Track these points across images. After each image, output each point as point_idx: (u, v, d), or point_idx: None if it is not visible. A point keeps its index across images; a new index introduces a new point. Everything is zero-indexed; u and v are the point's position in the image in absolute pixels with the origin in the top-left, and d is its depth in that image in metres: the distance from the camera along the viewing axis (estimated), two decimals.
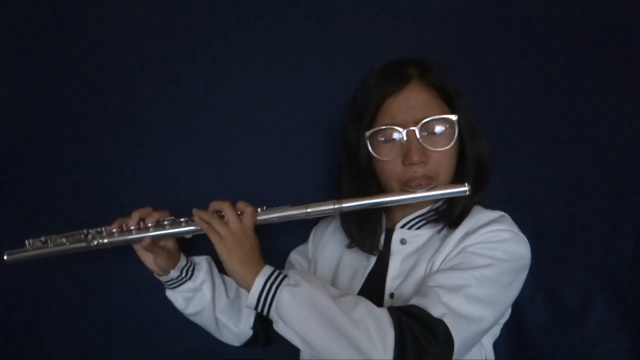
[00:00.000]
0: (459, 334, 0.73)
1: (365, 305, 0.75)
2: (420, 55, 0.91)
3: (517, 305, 0.98)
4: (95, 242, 0.82)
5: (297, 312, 0.74)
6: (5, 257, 0.84)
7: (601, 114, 1.07)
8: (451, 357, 0.73)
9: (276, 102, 1.11)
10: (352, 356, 0.71)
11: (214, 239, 0.81)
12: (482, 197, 0.89)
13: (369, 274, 0.91)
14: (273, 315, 0.76)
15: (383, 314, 0.73)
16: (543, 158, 1.08)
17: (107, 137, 1.10)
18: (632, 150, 1.06)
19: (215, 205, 0.85)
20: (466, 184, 0.84)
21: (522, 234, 0.85)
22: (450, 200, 0.88)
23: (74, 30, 1.10)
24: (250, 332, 1.00)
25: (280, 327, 0.76)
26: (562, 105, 1.08)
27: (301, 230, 1.07)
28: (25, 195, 1.09)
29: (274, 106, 1.11)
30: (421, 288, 0.80)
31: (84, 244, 0.83)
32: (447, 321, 0.73)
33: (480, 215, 0.86)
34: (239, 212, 0.84)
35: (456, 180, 0.88)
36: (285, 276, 0.78)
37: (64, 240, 0.83)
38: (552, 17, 1.09)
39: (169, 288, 0.95)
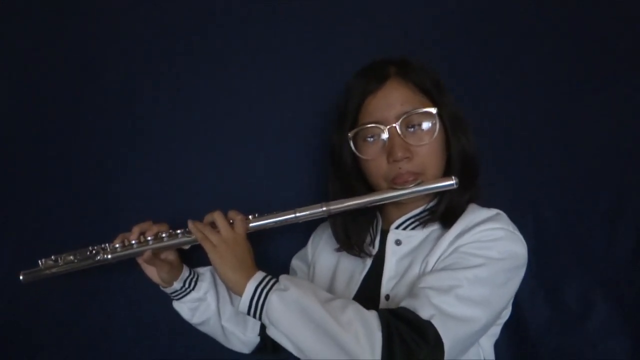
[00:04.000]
0: (448, 335, 0.72)
1: (354, 308, 0.75)
2: (399, 55, 0.91)
3: (517, 305, 0.98)
4: (99, 258, 0.88)
5: (286, 317, 0.75)
6: (21, 277, 0.91)
7: (601, 114, 1.06)
8: (442, 359, 0.72)
9: (270, 107, 1.12)
10: (341, 359, 0.71)
11: (207, 247, 0.83)
12: (475, 194, 0.89)
13: (366, 276, 0.91)
14: (265, 320, 0.78)
15: (371, 317, 0.73)
16: (543, 158, 1.08)
17: (105, 145, 1.13)
18: (632, 150, 1.04)
19: (209, 217, 0.87)
20: (453, 178, 0.83)
21: (517, 232, 0.83)
22: (443, 199, 0.87)
23: (75, 34, 1.13)
24: (257, 340, 1.02)
25: (272, 332, 0.77)
26: (563, 105, 1.08)
27: (299, 235, 1.08)
28: (30, 210, 1.12)
29: (268, 112, 1.12)
30: (413, 289, 0.80)
31: (90, 261, 0.89)
32: (436, 323, 0.72)
33: (475, 214, 0.85)
34: (230, 221, 0.86)
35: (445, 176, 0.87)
36: (276, 281, 0.79)
37: (72, 257, 0.89)
38: (554, 18, 1.08)
39: (174, 299, 0.98)
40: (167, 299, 1.02)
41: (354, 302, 0.78)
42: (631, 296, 1.03)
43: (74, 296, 1.11)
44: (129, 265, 1.08)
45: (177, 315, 1.05)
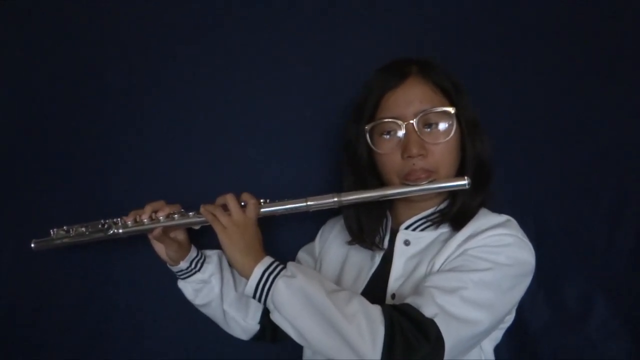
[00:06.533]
0: (450, 335, 0.73)
1: (359, 300, 0.76)
2: (422, 56, 0.92)
3: (517, 307, 0.98)
4: (111, 232, 0.88)
5: (291, 303, 0.76)
6: (32, 245, 0.91)
7: (601, 114, 1.07)
8: (442, 358, 0.72)
9: (279, 101, 1.13)
10: (342, 350, 0.72)
11: (217, 229, 0.83)
12: (486, 198, 0.89)
13: (373, 275, 0.91)
14: (269, 304, 0.78)
15: (375, 311, 0.74)
16: (544, 159, 1.09)
17: (117, 140, 1.13)
18: (632, 150, 1.06)
19: (221, 199, 0.88)
20: (466, 178, 0.84)
21: (527, 240, 0.84)
22: (454, 201, 0.88)
23: (75, 34, 1.13)
24: (257, 327, 1.02)
25: (275, 317, 0.78)
26: (563, 106, 1.08)
27: (307, 228, 1.08)
28: (31, 209, 1.11)
29: (278, 106, 1.12)
30: (418, 287, 0.80)
31: (101, 234, 0.89)
32: (439, 322, 0.73)
33: (485, 219, 0.85)
34: (242, 203, 0.87)
35: None
36: (283, 267, 0.80)
37: (83, 229, 0.89)
38: (554, 18, 1.09)
39: (180, 278, 0.98)
40: (168, 297, 1.03)
41: (359, 295, 0.78)
42: (631, 296, 1.04)
43: (73, 296, 1.11)
44: (129, 264, 1.10)
45: (177, 314, 1.07)
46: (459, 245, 0.82)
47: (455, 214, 0.87)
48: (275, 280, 0.77)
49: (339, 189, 0.91)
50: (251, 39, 1.13)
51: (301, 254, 1.07)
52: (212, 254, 1.00)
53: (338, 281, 0.95)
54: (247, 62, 1.14)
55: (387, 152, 0.88)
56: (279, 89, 1.13)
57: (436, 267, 0.83)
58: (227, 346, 1.09)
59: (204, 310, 1.01)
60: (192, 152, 1.13)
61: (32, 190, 1.12)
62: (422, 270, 0.84)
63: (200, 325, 1.06)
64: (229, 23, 1.14)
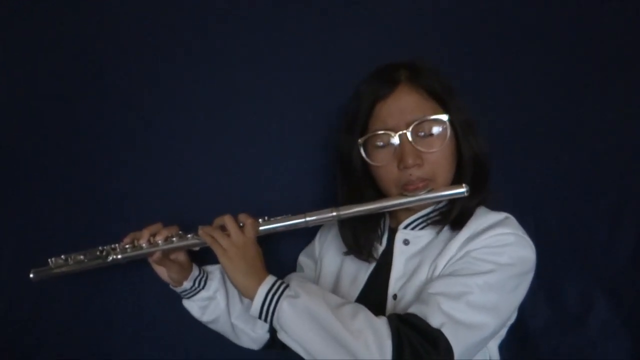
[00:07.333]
0: (458, 343, 0.73)
1: (365, 315, 0.76)
2: (410, 58, 0.91)
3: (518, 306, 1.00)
4: (110, 259, 0.88)
5: (296, 324, 0.76)
6: (31, 275, 0.91)
7: (602, 114, 1.07)
8: None
9: (279, 102, 1.12)
10: None
11: (217, 251, 0.83)
12: (485, 197, 0.89)
13: (371, 275, 0.91)
14: (275, 325, 0.78)
15: (382, 324, 0.74)
16: (543, 158, 1.09)
17: (117, 140, 1.13)
18: (632, 150, 1.05)
19: (219, 220, 0.88)
20: (464, 185, 0.83)
21: (527, 237, 0.83)
22: (452, 201, 0.87)
23: (75, 34, 1.13)
24: (267, 336, 1.02)
25: (282, 337, 0.78)
26: (563, 106, 1.08)
27: (306, 232, 1.06)
28: (31, 210, 1.11)
29: (278, 106, 1.12)
30: (422, 294, 0.80)
31: (100, 261, 0.89)
32: (446, 331, 0.73)
33: (484, 218, 0.85)
34: (240, 224, 0.86)
35: (456, 181, 0.88)
36: (286, 286, 0.80)
37: (82, 257, 0.89)
38: (553, 18, 1.09)
39: (184, 298, 0.98)
40: (167, 297, 1.03)
41: (364, 308, 0.78)
42: (631, 296, 1.04)
43: (74, 295, 1.11)
44: (130, 263, 1.09)
45: (177, 313, 1.05)
46: (461, 247, 0.82)
47: (454, 213, 0.87)
48: (280, 302, 0.78)
49: (334, 194, 0.91)
50: (251, 39, 1.13)
51: (302, 258, 1.08)
52: (214, 270, 1.00)
53: (337, 282, 0.96)
54: (247, 63, 1.13)
55: (383, 164, 0.87)
56: (279, 89, 1.13)
57: (438, 269, 0.82)
58: (228, 347, 1.08)
59: (212, 326, 1.01)
60: (192, 152, 1.13)
61: (31, 189, 1.12)
62: (423, 271, 0.84)
63: (201, 327, 1.06)
64: (229, 23, 1.13)
